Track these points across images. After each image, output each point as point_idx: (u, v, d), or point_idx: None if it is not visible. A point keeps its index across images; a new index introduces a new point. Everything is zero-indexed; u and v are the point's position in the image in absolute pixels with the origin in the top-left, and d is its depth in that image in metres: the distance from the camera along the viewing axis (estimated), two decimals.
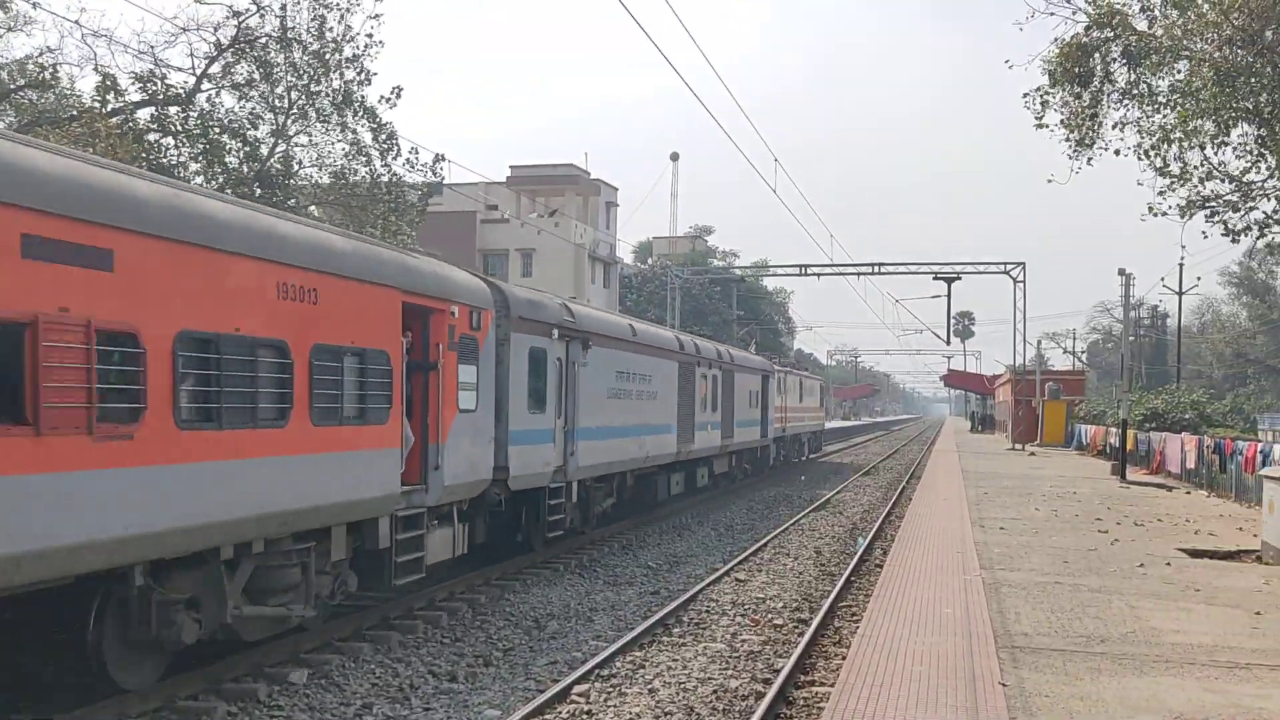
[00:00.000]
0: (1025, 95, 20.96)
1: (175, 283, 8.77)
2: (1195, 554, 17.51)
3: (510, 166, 69.23)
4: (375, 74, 30.77)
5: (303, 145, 31.30)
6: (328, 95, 30.40)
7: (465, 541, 14.42)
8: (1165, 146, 20.05)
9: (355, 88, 30.50)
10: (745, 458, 34.59)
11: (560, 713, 9.51)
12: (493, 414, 14.78)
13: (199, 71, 29.12)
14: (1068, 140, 20.70)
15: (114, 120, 26.25)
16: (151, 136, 28.27)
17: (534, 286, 20.39)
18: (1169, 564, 16.26)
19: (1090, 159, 20.80)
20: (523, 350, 15.83)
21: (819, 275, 61.98)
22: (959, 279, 59.33)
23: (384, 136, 31.36)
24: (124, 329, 8.19)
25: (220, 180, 28.46)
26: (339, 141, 31.28)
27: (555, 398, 17.24)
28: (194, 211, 9.17)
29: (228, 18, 28.48)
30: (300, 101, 30.35)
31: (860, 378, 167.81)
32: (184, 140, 28.58)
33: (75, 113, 26.42)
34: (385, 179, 31.80)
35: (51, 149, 8.40)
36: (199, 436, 8.97)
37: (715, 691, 10.20)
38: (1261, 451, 25.44)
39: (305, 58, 29.77)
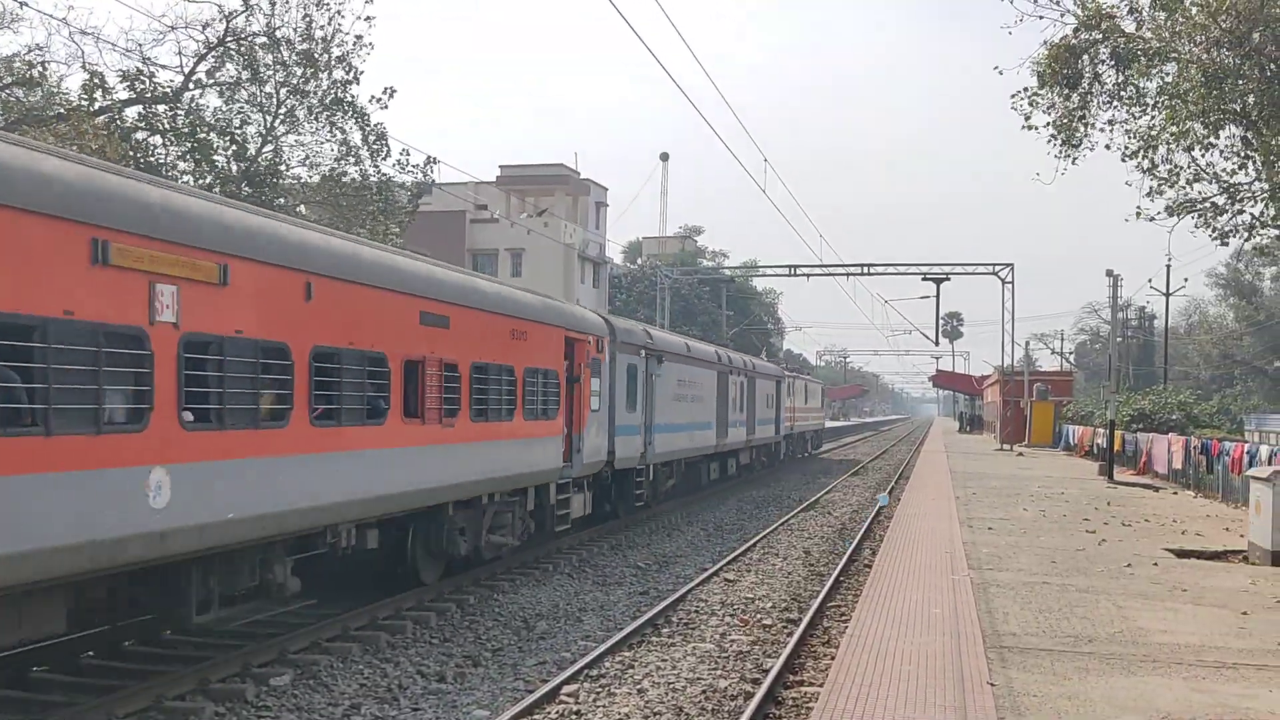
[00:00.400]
0: (1013, 96, 21.00)
1: (482, 334, 14.82)
2: (1182, 554, 17.58)
3: (500, 166, 69.25)
4: (363, 72, 30.64)
5: (291, 145, 31.24)
6: (316, 95, 30.32)
7: (590, 504, 20.22)
8: (1153, 149, 20.12)
9: (344, 88, 30.42)
10: (763, 451, 40.05)
11: (549, 713, 9.50)
12: (607, 413, 20.32)
13: (187, 70, 29.02)
14: (1053, 140, 20.76)
15: (101, 119, 26.14)
16: (139, 135, 28.16)
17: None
18: (1156, 564, 16.32)
19: (1076, 159, 20.86)
20: (622, 366, 21.39)
21: (808, 276, 62.10)
22: (948, 280, 59.56)
23: (374, 138, 31.29)
24: (454, 362, 13.80)
25: (209, 179, 28.36)
26: (328, 142, 31.22)
27: (640, 401, 22.61)
28: (494, 294, 15.67)
29: (215, 19, 28.40)
30: (289, 101, 30.27)
31: (849, 378, 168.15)
32: (172, 139, 28.47)
33: (62, 111, 26.28)
34: (375, 179, 31.73)
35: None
36: (480, 426, 14.59)
37: (704, 692, 10.21)
38: (1248, 452, 25.55)
39: (294, 57, 29.68)
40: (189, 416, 9.11)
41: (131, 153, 26.29)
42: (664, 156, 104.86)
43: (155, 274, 8.73)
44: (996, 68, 21.02)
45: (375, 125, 31.43)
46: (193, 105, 29.41)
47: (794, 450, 49.24)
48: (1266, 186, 19.58)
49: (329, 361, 11.05)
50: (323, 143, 31.19)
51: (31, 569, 7.67)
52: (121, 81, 27.66)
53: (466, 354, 14.07)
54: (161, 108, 28.47)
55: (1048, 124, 20.81)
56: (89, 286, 8.12)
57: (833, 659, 10.47)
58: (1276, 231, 20.35)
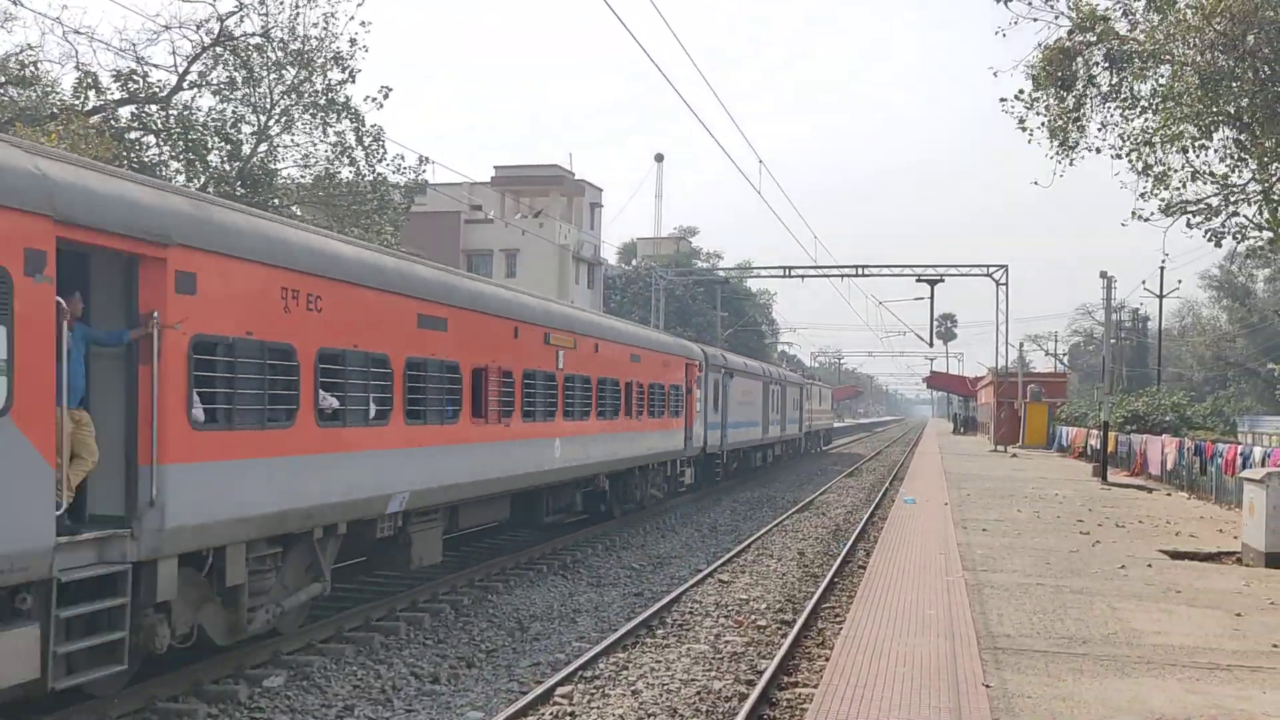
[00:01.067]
0: (1003, 101, 21.02)
1: (652, 364, 23.90)
2: (1176, 556, 17.60)
3: (494, 167, 69.10)
4: (359, 71, 30.65)
5: (286, 145, 31.18)
6: (310, 96, 30.25)
7: (694, 476, 29.54)
8: (1147, 149, 20.14)
9: (339, 87, 30.38)
10: (790, 445, 50.33)
11: (543, 714, 9.48)
12: (703, 414, 28.89)
13: (181, 70, 28.95)
14: (1050, 142, 20.78)
15: (94, 119, 26.05)
16: (132, 135, 28.08)
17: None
18: (1150, 565, 16.34)
19: (1073, 160, 20.88)
20: (710, 381, 30.06)
21: (803, 277, 62.15)
22: (942, 281, 59.57)
23: (369, 139, 31.24)
24: (643, 383, 22.87)
25: (203, 179, 28.30)
26: (322, 142, 31.16)
27: (720, 405, 31.52)
28: (658, 340, 26.15)
29: (209, 19, 28.33)
30: (283, 102, 30.21)
31: (843, 379, 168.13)
32: (165, 138, 28.40)
33: (55, 110, 26.19)
34: (370, 178, 31.67)
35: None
36: (643, 420, 22.78)
37: (699, 693, 10.19)
38: (1241, 454, 25.60)
39: (287, 57, 29.63)
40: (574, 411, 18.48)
41: (125, 153, 26.21)
42: (659, 157, 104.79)
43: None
44: (991, 70, 21.04)
45: (371, 126, 31.41)
46: (190, 106, 29.34)
47: (811, 445, 59.77)
48: (1260, 189, 19.61)
49: (606, 385, 20.26)
50: (317, 143, 31.15)
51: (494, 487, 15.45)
52: (115, 81, 27.60)
53: (647, 377, 23.16)
54: (155, 107, 28.39)
55: (1042, 125, 20.83)
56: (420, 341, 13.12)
57: (827, 660, 10.47)
58: (1270, 234, 20.38)
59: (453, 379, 13.67)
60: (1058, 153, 20.76)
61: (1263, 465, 21.98)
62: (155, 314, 8.68)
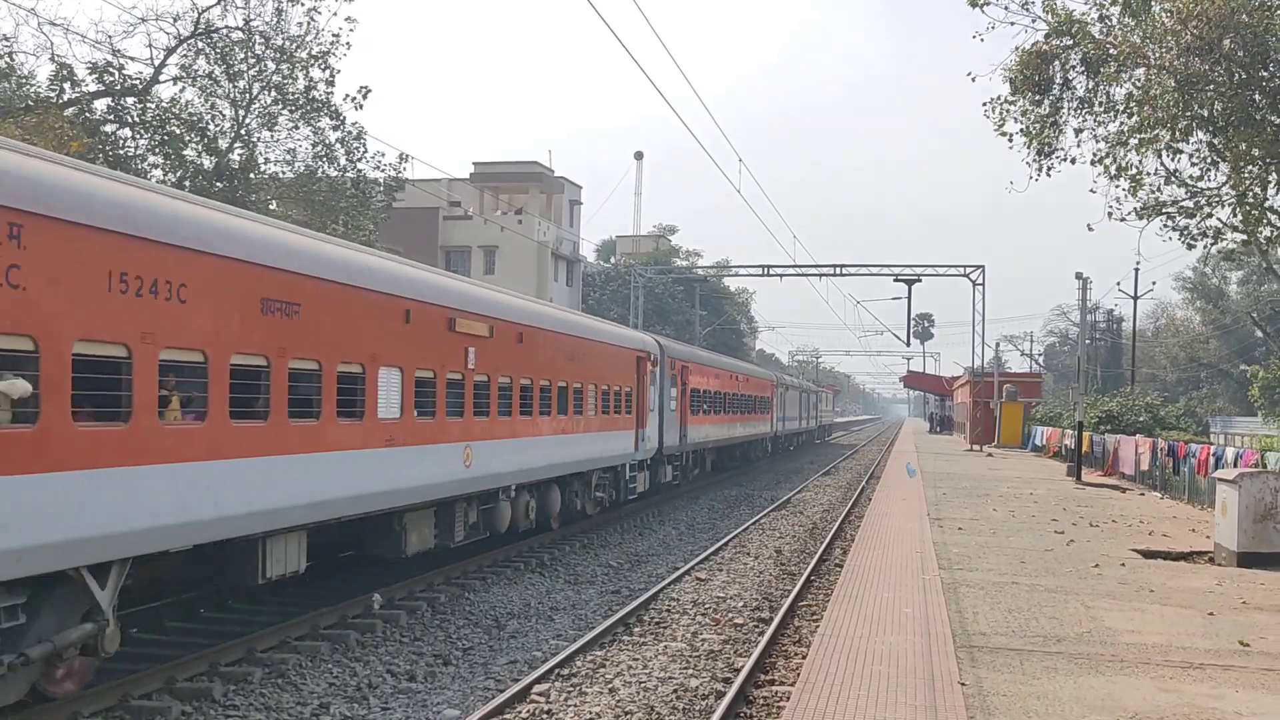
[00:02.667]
0: (985, 104, 21.09)
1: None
2: (1149, 555, 17.75)
3: (473, 163, 68.88)
4: (339, 71, 30.51)
5: (266, 142, 30.98)
6: (292, 93, 30.06)
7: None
8: (1121, 152, 20.26)
9: (322, 85, 30.21)
10: (801, 437, 63.13)
11: (520, 712, 9.46)
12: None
13: (157, 63, 28.73)
14: (1028, 148, 20.86)
15: (70, 111, 25.81)
16: (108, 128, 27.83)
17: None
18: (1124, 565, 16.47)
19: (1049, 168, 20.96)
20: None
21: (781, 276, 62.34)
22: (919, 281, 60.00)
23: (351, 137, 31.09)
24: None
25: (179, 174, 28.07)
26: (303, 140, 30.99)
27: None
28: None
29: (186, 11, 28.14)
30: (262, 97, 30.01)
31: (821, 378, 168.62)
32: (141, 132, 28.16)
33: (30, 103, 25.93)
34: (351, 175, 31.53)
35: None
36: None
37: (676, 691, 10.20)
38: (1214, 454, 25.83)
39: (269, 52, 29.44)
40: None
41: (101, 146, 25.98)
42: (638, 155, 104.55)
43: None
44: (970, 74, 21.09)
45: (352, 125, 31.26)
46: (171, 101, 29.10)
47: (820, 436, 76.69)
48: (1234, 192, 19.77)
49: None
50: (298, 141, 30.97)
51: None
52: (91, 74, 27.34)
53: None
54: (130, 100, 28.14)
55: (1020, 130, 20.91)
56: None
57: (804, 658, 10.49)
58: (1243, 236, 20.55)
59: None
60: (1035, 158, 20.84)
61: (1235, 466, 22.22)
62: None
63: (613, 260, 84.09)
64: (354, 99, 30.89)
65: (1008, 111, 20.89)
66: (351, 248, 13.10)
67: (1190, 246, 21.60)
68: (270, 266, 10.50)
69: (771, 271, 62.72)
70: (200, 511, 9.48)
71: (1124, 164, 20.48)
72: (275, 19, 29.26)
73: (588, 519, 22.01)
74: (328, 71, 30.07)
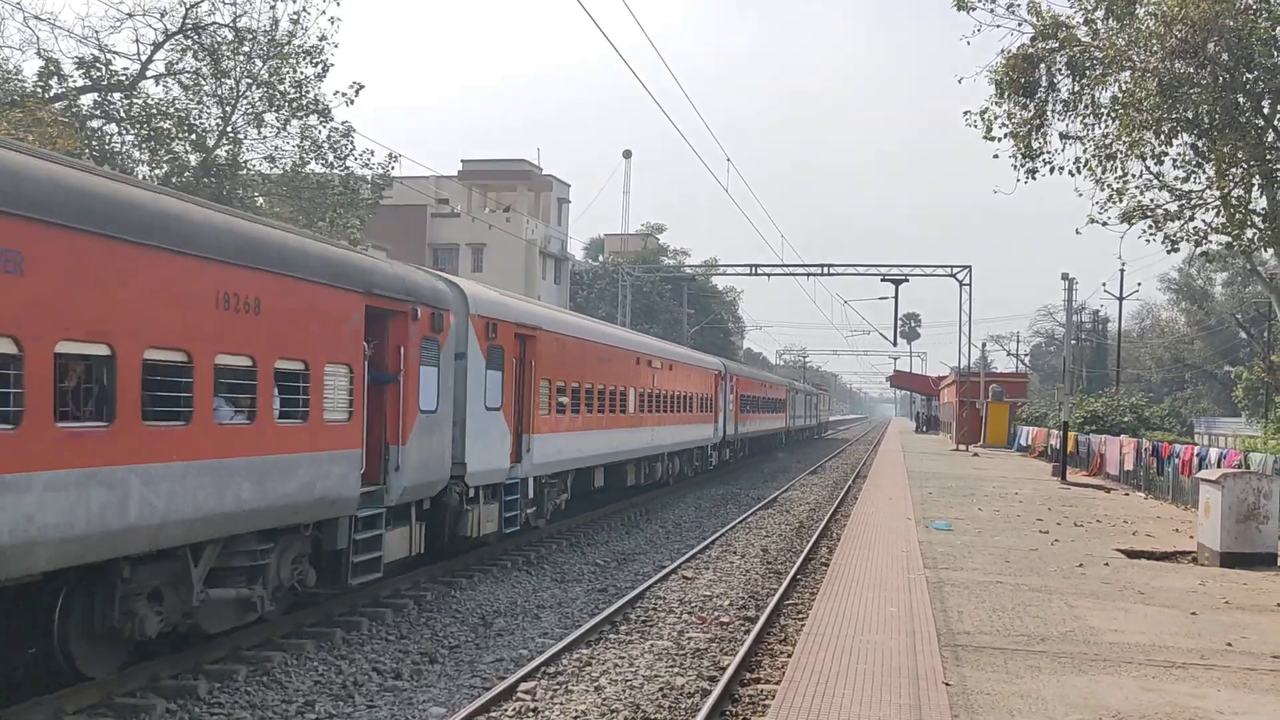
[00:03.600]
0: (966, 114, 21.16)
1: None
2: (1133, 555, 17.85)
3: (462, 160, 68.80)
4: (333, 65, 30.35)
5: (254, 139, 30.86)
6: (280, 90, 29.94)
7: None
8: (1109, 162, 20.34)
9: (311, 82, 30.10)
10: (807, 432, 76.14)
11: (506, 710, 9.47)
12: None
13: (144, 58, 28.59)
14: (1015, 153, 20.93)
15: (57, 106, 25.68)
16: (95, 123, 27.70)
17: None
18: (1107, 564, 16.56)
19: (1034, 171, 21.03)
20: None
21: (769, 275, 62.44)
22: (906, 281, 60.13)
23: (339, 135, 30.99)
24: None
25: (165, 169, 27.96)
26: (291, 138, 30.87)
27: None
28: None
29: (173, 7, 28.00)
30: (250, 94, 29.90)
31: (809, 378, 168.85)
32: (127, 127, 28.03)
33: (17, 98, 25.79)
34: (339, 172, 31.43)
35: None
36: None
37: (662, 689, 10.22)
38: (1198, 455, 25.98)
39: (259, 49, 29.33)
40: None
41: (88, 140, 25.86)
42: (627, 154, 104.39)
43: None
44: (957, 77, 21.17)
45: (340, 123, 31.18)
46: (160, 100, 28.96)
47: (820, 431, 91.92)
48: (1218, 194, 19.88)
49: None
50: (287, 139, 30.85)
51: None
52: (78, 68, 27.21)
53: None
54: (117, 96, 28.01)
55: (1006, 134, 20.98)
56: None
57: (790, 657, 10.53)
58: (1227, 239, 20.66)
59: None
60: (1020, 162, 20.92)
61: (1218, 466, 22.35)
62: None
63: (601, 259, 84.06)
64: (345, 95, 30.81)
65: (994, 116, 20.97)
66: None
67: (1173, 250, 21.71)
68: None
69: (759, 271, 62.83)
70: None
71: (1106, 177, 20.56)
72: (269, 19, 29.15)
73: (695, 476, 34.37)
74: (320, 66, 29.94)
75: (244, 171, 30.34)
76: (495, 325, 16.58)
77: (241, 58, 29.31)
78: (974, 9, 19.89)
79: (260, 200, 31.34)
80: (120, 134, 28.18)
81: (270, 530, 10.77)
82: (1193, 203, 20.71)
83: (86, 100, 27.86)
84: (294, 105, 30.04)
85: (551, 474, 19.86)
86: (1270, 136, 19.38)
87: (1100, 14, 19.95)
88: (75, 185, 8.41)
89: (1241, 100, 19.03)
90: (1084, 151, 20.55)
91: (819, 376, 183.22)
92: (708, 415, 35.38)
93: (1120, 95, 19.65)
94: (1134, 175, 20.52)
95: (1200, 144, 19.79)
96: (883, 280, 60.20)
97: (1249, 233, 20.02)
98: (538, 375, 18.55)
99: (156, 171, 27.80)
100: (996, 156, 20.89)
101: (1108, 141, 20.33)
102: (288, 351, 10.85)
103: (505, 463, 17.16)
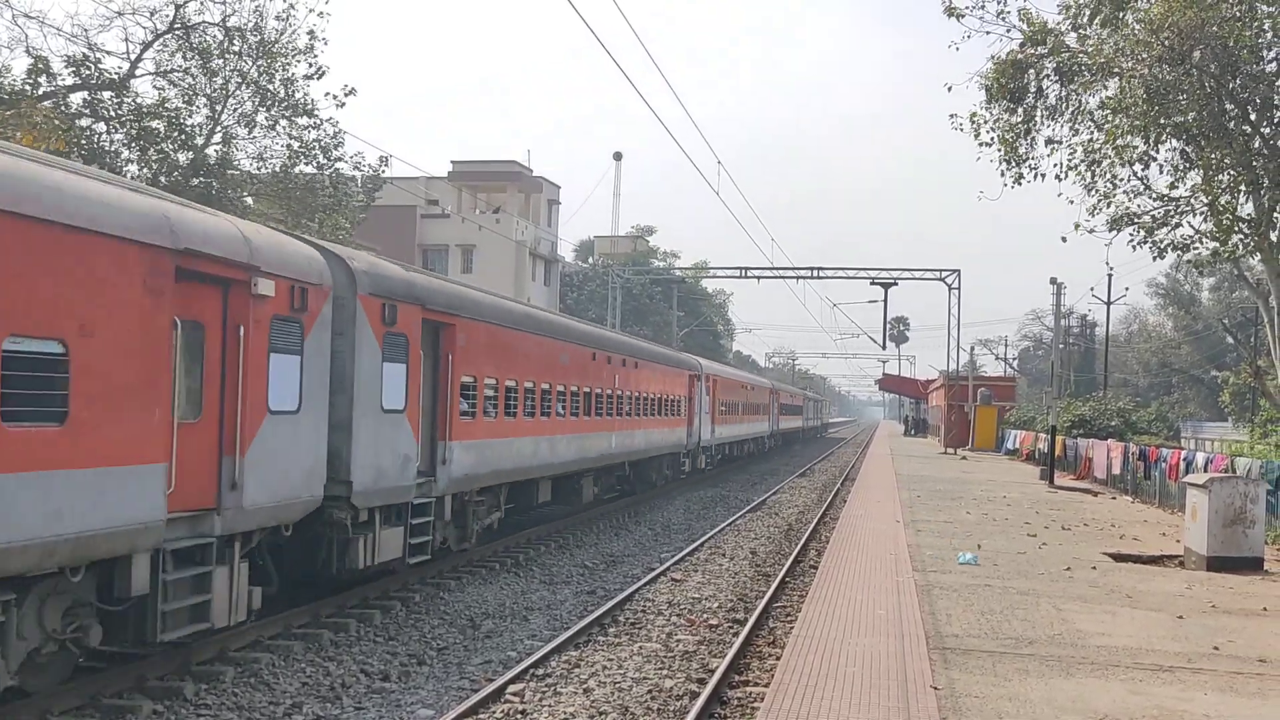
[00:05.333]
0: (952, 117, 21.27)
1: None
2: (1120, 558, 17.91)
3: (451, 162, 68.69)
4: (327, 67, 30.24)
5: (244, 139, 30.77)
6: (271, 90, 29.86)
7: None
8: (1096, 167, 20.45)
9: (302, 82, 30.03)
10: (811, 432, 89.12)
11: (495, 712, 9.46)
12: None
13: (134, 57, 28.50)
14: (1003, 158, 21.03)
15: (46, 104, 25.58)
16: (84, 122, 27.59)
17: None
18: (1095, 568, 16.61)
19: (1021, 176, 21.12)
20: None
21: (759, 278, 62.48)
22: (896, 285, 60.30)
23: (329, 136, 30.93)
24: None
25: (154, 168, 27.86)
26: (280, 139, 30.80)
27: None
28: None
29: (163, 6, 27.92)
30: (239, 94, 29.82)
31: (797, 380, 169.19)
32: (116, 126, 27.93)
33: (5, 97, 25.67)
34: (330, 172, 31.36)
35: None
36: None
37: (650, 691, 10.22)
38: (1184, 459, 26.08)
39: (249, 49, 29.25)
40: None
41: (77, 139, 25.74)
42: (617, 156, 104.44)
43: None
44: (947, 85, 21.27)
45: (329, 121, 31.11)
46: (154, 100, 28.85)
47: (820, 431, 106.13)
48: (1205, 200, 19.99)
49: None
50: (276, 140, 30.78)
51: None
52: (67, 67, 27.10)
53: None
54: (107, 94, 27.91)
55: (996, 138, 21.07)
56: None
57: (778, 660, 10.54)
58: (1214, 244, 20.77)
59: None
60: (1008, 166, 21.03)
61: (1205, 470, 22.47)
62: None
63: (591, 260, 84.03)
64: (336, 97, 30.74)
65: (983, 120, 21.08)
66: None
67: (1160, 256, 21.83)
68: None
69: (749, 273, 62.89)
70: None
71: (1095, 182, 20.66)
72: (256, 18, 29.08)
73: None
74: (314, 67, 29.87)
75: (233, 171, 30.23)
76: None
77: (231, 56, 29.23)
78: (963, 15, 20.00)
79: (249, 200, 31.24)
80: (109, 132, 28.06)
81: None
82: (1179, 209, 20.83)
83: (76, 99, 27.75)
84: (283, 105, 29.97)
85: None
86: (1257, 143, 19.52)
87: (1087, 19, 20.07)
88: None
89: (1229, 106, 19.15)
90: (1071, 155, 20.67)
91: (808, 379, 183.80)
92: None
93: (1108, 100, 19.77)
94: (1121, 180, 20.65)
95: (1188, 149, 19.92)
96: (872, 284, 60.38)
97: (1236, 238, 20.14)
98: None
99: (145, 171, 27.69)
100: (979, 158, 21.00)
101: (1095, 146, 20.45)
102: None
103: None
